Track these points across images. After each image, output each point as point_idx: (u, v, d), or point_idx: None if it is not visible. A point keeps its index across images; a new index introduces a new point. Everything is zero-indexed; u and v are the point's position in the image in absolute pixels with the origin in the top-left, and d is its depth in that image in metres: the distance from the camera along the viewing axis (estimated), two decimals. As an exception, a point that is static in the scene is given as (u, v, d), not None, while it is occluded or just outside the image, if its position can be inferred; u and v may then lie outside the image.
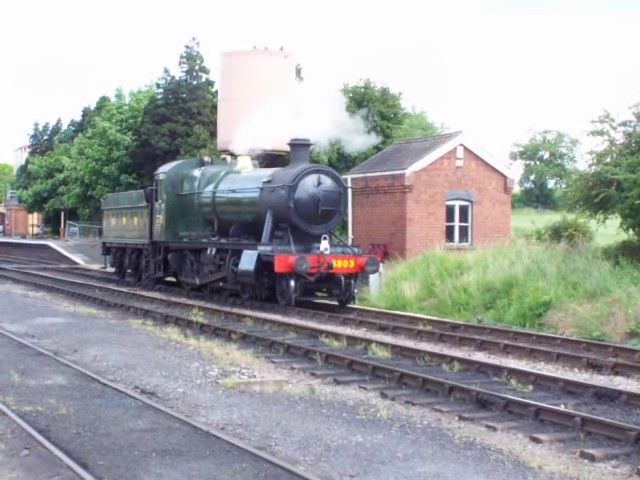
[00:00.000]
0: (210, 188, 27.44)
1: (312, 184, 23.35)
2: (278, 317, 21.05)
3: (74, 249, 56.53)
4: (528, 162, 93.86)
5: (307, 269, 22.01)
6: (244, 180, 26.30)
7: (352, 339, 17.05)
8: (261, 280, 23.17)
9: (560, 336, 18.14)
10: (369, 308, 23.38)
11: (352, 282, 23.23)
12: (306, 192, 23.28)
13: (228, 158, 29.96)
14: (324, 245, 22.87)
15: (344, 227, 33.61)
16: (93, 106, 74.66)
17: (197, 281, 27.03)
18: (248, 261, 22.92)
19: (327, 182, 23.58)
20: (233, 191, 26.25)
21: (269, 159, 33.91)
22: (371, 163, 34.45)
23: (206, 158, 30.30)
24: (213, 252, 25.66)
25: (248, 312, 22.03)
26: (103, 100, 70.65)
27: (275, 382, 12.82)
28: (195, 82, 53.48)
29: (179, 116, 51.00)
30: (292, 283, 22.22)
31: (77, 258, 52.50)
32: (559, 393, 12.35)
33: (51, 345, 16.49)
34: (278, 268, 21.99)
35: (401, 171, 30.65)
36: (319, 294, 24.42)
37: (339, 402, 11.66)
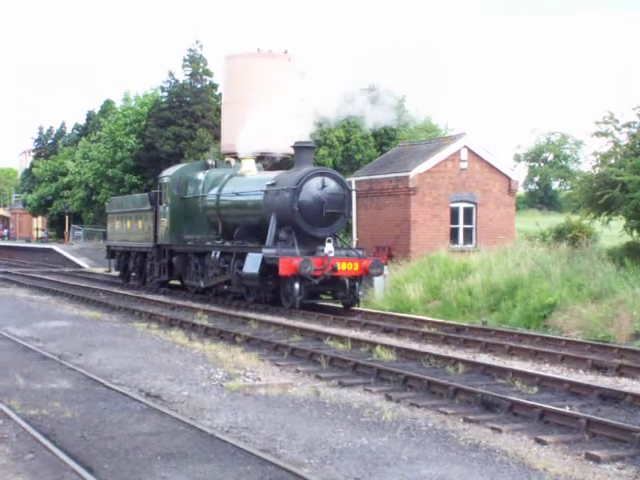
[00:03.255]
0: (214, 191, 27.44)
1: (316, 187, 23.34)
2: (283, 320, 21.03)
3: (78, 253, 56.59)
4: (532, 164, 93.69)
5: (311, 272, 21.99)
6: (248, 183, 26.31)
7: (357, 342, 17.04)
8: (265, 283, 23.16)
9: (565, 338, 18.11)
10: (374, 310, 23.35)
11: (356, 284, 23.20)
12: (310, 195, 23.26)
13: (232, 161, 29.97)
14: (328, 248, 22.83)
15: (348, 229, 33.60)
16: (97, 110, 74.81)
17: (202, 284, 27.04)
18: (252, 264, 22.92)
19: (331, 185, 23.57)
20: (237, 194, 26.25)
21: (274, 161, 33.91)
22: (375, 165, 34.47)
23: (210, 161, 30.32)
24: (217, 255, 25.65)
25: (253, 315, 22.03)
26: (107, 104, 70.81)
27: (280, 385, 12.82)
28: (199, 85, 53.58)
29: (183, 119, 51.08)
30: (296, 286, 22.20)
31: (81, 262, 52.58)
32: (564, 395, 12.33)
33: (56, 349, 16.51)
34: (282, 271, 21.97)
35: (405, 173, 30.65)
36: (323, 297, 24.41)
37: (344, 405, 11.65)
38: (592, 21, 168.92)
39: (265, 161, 31.14)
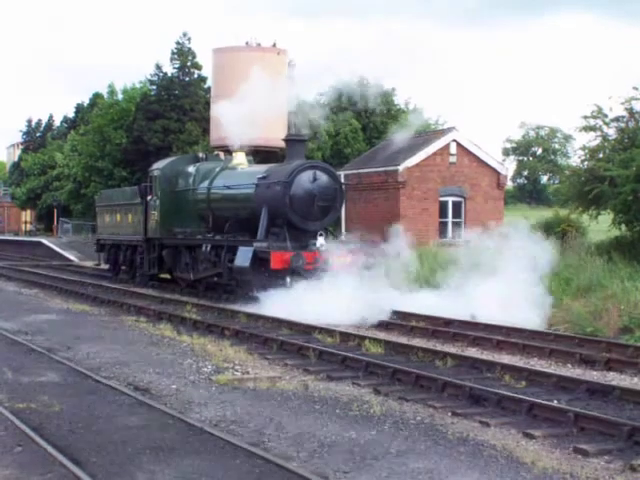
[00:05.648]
0: (205, 184, 27.34)
1: (308, 180, 23.27)
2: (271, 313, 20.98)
3: (67, 246, 56.38)
4: (521, 158, 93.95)
5: (303, 265, 21.97)
6: (239, 176, 26.23)
7: (345, 335, 17.05)
8: (257, 276, 23.09)
9: (553, 332, 18.15)
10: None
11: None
12: (302, 188, 23.19)
13: (221, 154, 29.87)
14: (320, 241, 22.82)
15: (337, 223, 33.60)
16: (86, 103, 74.54)
17: (191, 278, 26.95)
18: (244, 257, 22.84)
19: (323, 178, 23.52)
20: (228, 187, 26.15)
21: (263, 155, 33.85)
22: (364, 159, 34.49)
23: (201, 154, 30.21)
24: (208, 248, 25.57)
25: (241, 308, 21.98)
26: (96, 97, 70.51)
27: (268, 378, 12.82)
28: (187, 78, 53.35)
29: (172, 112, 50.90)
30: (288, 279, 22.15)
31: (70, 255, 52.38)
32: (552, 389, 12.35)
33: (44, 342, 16.46)
34: (274, 264, 21.92)
35: (394, 167, 30.68)
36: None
37: (332, 398, 11.66)
38: (584, 19, 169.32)
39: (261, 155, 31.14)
